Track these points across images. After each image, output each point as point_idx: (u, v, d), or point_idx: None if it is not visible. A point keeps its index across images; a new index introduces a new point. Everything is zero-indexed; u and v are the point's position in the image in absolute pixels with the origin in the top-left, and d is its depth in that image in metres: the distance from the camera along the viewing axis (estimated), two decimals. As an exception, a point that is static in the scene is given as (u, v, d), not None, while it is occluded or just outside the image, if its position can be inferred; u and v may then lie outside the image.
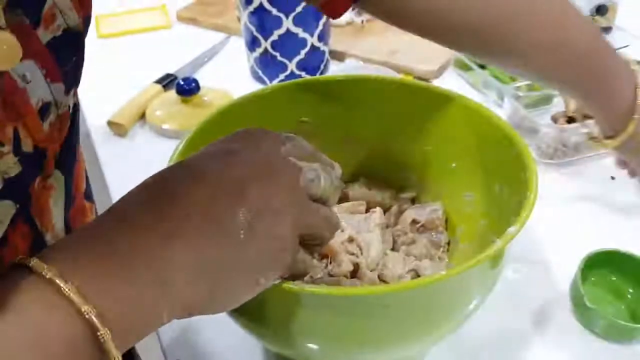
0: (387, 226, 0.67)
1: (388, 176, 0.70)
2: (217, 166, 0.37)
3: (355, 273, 0.59)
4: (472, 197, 0.63)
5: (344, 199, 0.69)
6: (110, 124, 0.93)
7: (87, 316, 0.29)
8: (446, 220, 0.67)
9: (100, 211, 0.65)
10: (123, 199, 0.36)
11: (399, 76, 0.99)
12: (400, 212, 0.68)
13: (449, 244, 0.66)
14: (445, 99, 0.62)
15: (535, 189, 0.49)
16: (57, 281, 0.29)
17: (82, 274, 0.30)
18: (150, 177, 0.37)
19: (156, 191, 0.36)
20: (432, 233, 0.66)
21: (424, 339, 0.50)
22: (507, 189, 0.56)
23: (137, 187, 0.36)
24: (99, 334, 0.30)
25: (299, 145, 0.43)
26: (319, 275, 0.57)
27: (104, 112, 0.95)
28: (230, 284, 0.36)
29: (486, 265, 0.45)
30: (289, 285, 0.40)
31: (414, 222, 0.66)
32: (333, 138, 0.66)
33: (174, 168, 0.38)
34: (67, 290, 0.29)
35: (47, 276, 0.30)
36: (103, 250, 0.32)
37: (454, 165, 0.63)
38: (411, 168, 0.68)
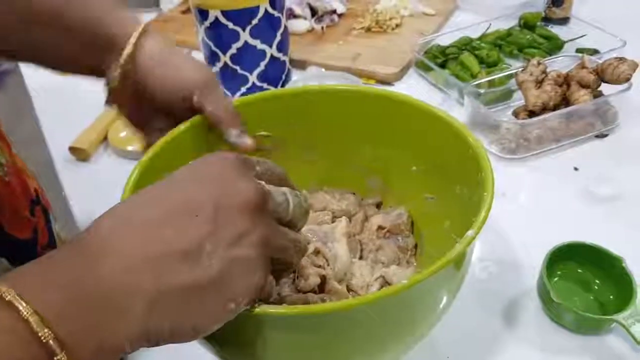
0: (353, 234, 0.66)
1: (351, 183, 0.70)
2: (183, 193, 0.36)
3: (322, 286, 0.59)
4: (434, 200, 0.64)
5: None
6: (72, 149, 0.92)
7: (44, 340, 0.29)
8: (412, 224, 0.67)
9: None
10: (87, 230, 0.35)
11: (361, 81, 0.99)
12: (366, 219, 0.68)
13: (416, 247, 0.66)
14: (400, 104, 0.62)
15: (491, 190, 0.49)
16: (16, 304, 0.29)
17: (41, 299, 0.30)
18: (115, 206, 0.36)
19: (119, 221, 0.35)
20: (399, 237, 0.66)
21: (396, 346, 0.49)
22: (466, 189, 0.56)
23: (101, 216, 0.36)
24: (55, 358, 0.29)
25: (269, 168, 0.43)
26: (285, 293, 0.56)
27: (65, 138, 0.93)
28: (197, 311, 0.35)
29: (450, 268, 0.46)
30: (253, 308, 0.39)
31: (380, 228, 0.66)
32: (294, 150, 0.66)
33: (140, 197, 0.37)
34: (25, 313, 0.29)
35: (7, 298, 0.29)
36: (64, 278, 0.32)
37: (414, 168, 0.64)
38: (373, 173, 0.69)
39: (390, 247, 0.65)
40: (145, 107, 0.58)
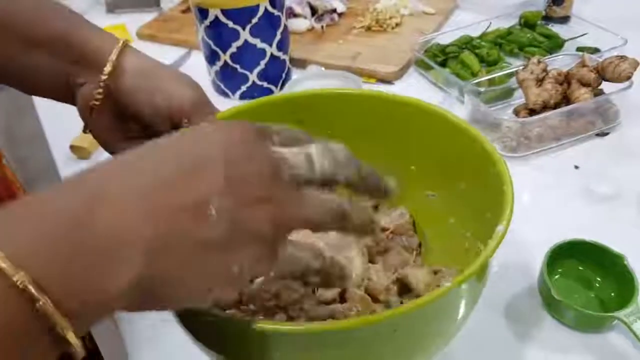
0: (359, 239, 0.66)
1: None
2: (192, 147, 0.34)
3: (343, 294, 0.58)
4: (436, 197, 0.63)
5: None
6: (72, 148, 0.92)
7: (21, 286, 0.26)
8: (413, 223, 0.67)
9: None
10: (85, 171, 0.33)
11: (361, 80, 0.99)
12: (365, 222, 0.67)
13: (420, 245, 0.66)
14: (397, 104, 0.62)
15: (509, 182, 0.49)
16: None
17: (15, 242, 0.28)
18: (121, 153, 0.34)
19: (124, 166, 0.33)
20: (403, 238, 0.65)
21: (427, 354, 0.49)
22: (473, 185, 0.56)
23: (104, 161, 0.34)
24: (38, 305, 0.27)
25: (290, 136, 0.40)
26: (307, 306, 0.55)
27: (66, 136, 0.93)
28: (198, 271, 0.33)
29: (474, 279, 0.45)
30: (273, 324, 0.38)
31: (383, 229, 0.65)
32: None
33: (146, 147, 0.35)
34: None
35: None
36: (54, 216, 0.29)
37: (412, 167, 0.63)
38: None
39: (396, 249, 0.64)
40: (126, 127, 0.56)
